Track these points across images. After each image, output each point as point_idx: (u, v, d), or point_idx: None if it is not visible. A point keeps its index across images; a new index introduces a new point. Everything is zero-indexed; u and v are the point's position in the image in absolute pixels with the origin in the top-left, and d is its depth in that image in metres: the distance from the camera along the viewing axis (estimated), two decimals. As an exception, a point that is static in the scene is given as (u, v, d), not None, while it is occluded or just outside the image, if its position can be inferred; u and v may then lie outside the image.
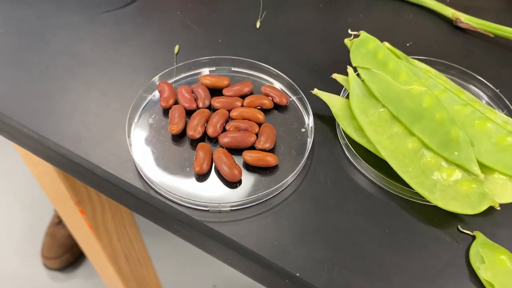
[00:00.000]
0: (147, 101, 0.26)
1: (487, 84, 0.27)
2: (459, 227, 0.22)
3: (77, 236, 0.58)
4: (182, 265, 1.24)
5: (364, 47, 0.26)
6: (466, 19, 0.30)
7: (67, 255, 1.19)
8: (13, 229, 1.30)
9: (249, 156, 0.23)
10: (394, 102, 0.24)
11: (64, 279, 1.19)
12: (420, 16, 0.32)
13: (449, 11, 0.31)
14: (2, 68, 0.27)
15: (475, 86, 0.28)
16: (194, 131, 0.24)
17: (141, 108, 0.25)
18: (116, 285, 0.69)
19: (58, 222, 1.22)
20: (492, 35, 0.30)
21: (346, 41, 0.27)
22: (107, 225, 0.55)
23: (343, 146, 0.24)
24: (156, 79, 0.26)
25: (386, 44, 0.27)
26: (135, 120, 0.25)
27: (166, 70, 0.27)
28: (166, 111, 0.25)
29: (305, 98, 0.26)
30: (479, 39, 0.31)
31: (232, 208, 0.22)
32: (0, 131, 0.27)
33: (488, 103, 0.27)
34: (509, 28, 0.30)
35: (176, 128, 0.24)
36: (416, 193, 0.22)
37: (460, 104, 0.24)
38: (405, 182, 0.22)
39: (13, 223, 1.31)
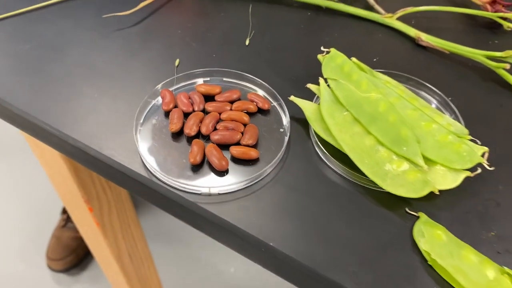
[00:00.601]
0: (151, 105, 0.31)
1: (439, 93, 0.32)
2: (406, 209, 0.27)
3: (85, 233, 0.63)
4: (182, 270, 1.28)
5: (333, 61, 0.31)
6: (426, 38, 0.35)
7: (71, 257, 1.23)
8: (21, 231, 1.35)
9: (235, 150, 0.28)
10: (355, 107, 0.29)
11: (68, 282, 1.24)
12: (388, 35, 0.37)
13: (412, 31, 0.36)
14: (29, 76, 0.32)
15: (429, 94, 0.32)
16: (190, 129, 0.29)
17: (146, 111, 0.30)
18: (120, 283, 0.73)
19: (63, 225, 1.26)
20: (447, 52, 0.35)
21: (319, 56, 0.32)
22: (113, 223, 0.60)
23: (313, 144, 0.29)
24: (159, 87, 0.31)
25: (354, 59, 0.32)
26: (141, 120, 0.30)
27: (168, 80, 0.32)
28: (167, 114, 0.30)
29: (284, 104, 0.31)
30: (436, 55, 0.36)
31: (219, 192, 0.27)
32: (27, 129, 0.32)
33: (439, 109, 0.32)
34: (462, 46, 0.35)
35: (175, 127, 0.29)
36: (372, 181, 0.27)
37: (411, 109, 0.29)
38: (363, 172, 0.27)
39: (21, 226, 1.36)
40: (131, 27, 0.36)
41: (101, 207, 0.56)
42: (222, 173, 0.28)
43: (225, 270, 1.26)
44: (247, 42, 0.36)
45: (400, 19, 0.37)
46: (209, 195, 0.27)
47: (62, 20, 0.37)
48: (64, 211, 1.27)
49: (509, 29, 0.37)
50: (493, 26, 0.38)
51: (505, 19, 0.37)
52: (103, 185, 0.55)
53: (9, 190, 1.42)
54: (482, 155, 0.27)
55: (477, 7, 0.39)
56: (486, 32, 0.38)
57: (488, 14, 0.37)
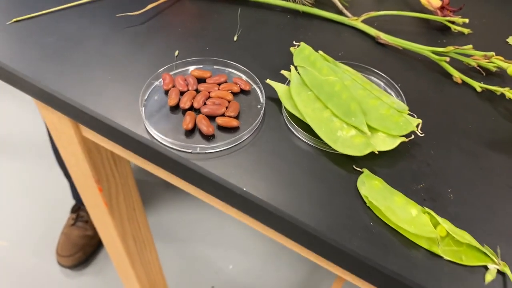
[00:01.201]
0: (154, 85, 0.38)
1: (389, 80, 0.39)
2: (353, 166, 0.33)
3: (93, 214, 0.70)
4: (182, 266, 1.34)
5: (302, 53, 0.38)
6: (384, 37, 0.43)
7: (79, 254, 1.30)
8: (33, 228, 1.42)
9: (220, 120, 0.35)
10: (317, 88, 0.36)
11: (75, 276, 1.30)
12: (353, 35, 0.44)
13: (373, 31, 0.43)
14: (55, 62, 0.40)
15: (381, 81, 0.39)
16: (184, 104, 0.36)
17: (150, 89, 0.38)
18: (124, 265, 0.80)
19: (72, 223, 1.33)
20: (401, 48, 0.42)
21: (292, 49, 0.39)
22: (120, 205, 0.67)
23: (284, 117, 0.36)
24: (160, 71, 0.39)
25: (320, 52, 0.39)
26: (145, 97, 0.37)
27: (168, 66, 0.39)
28: (166, 92, 0.37)
29: (262, 86, 0.38)
30: (392, 51, 0.43)
31: (206, 152, 0.34)
32: (53, 104, 0.39)
33: (388, 92, 0.39)
34: (413, 43, 0.42)
35: (173, 101, 0.36)
36: (327, 144, 0.34)
37: (362, 89, 0.36)
38: (321, 138, 0.34)
39: (34, 223, 1.43)
40: (139, 25, 0.44)
41: (110, 188, 0.63)
42: (209, 137, 0.35)
43: (224, 266, 1.32)
44: (235, 38, 0.43)
45: (364, 21, 0.44)
46: (198, 153, 0.34)
47: (81, 19, 0.44)
48: (73, 211, 1.34)
49: (456, 30, 0.45)
50: (443, 28, 0.45)
51: (452, 22, 0.45)
52: (112, 168, 0.62)
53: (23, 189, 1.50)
54: (417, 126, 0.34)
55: (430, 12, 0.46)
56: (436, 33, 0.45)
57: (439, 18, 0.44)
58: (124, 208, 0.69)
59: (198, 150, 0.34)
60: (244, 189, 0.32)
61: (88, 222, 1.33)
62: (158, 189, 1.51)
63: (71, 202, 1.41)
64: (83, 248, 1.31)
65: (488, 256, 0.29)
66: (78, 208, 1.35)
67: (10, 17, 0.44)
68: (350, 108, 0.34)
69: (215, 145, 0.34)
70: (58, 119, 0.52)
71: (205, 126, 0.34)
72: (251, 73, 0.39)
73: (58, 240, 1.34)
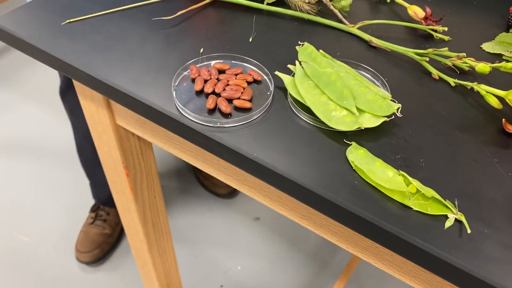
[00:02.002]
0: (183, 75, 0.47)
1: (378, 75, 0.47)
2: (344, 140, 0.41)
3: (118, 198, 0.77)
4: (193, 266, 1.42)
5: (305, 50, 0.46)
6: (376, 41, 0.51)
7: (97, 251, 1.38)
8: (54, 227, 1.51)
9: (236, 102, 0.43)
10: (316, 78, 0.44)
11: (92, 272, 1.38)
12: (350, 39, 0.52)
13: (366, 36, 0.52)
14: (102, 55, 0.49)
15: (371, 76, 0.47)
16: (208, 89, 0.44)
17: (180, 77, 0.46)
18: (142, 250, 0.87)
19: (91, 222, 1.42)
20: (390, 50, 0.51)
21: (297, 47, 0.47)
22: (143, 191, 0.75)
23: (289, 102, 0.44)
24: (188, 63, 0.47)
25: (321, 51, 0.47)
26: (176, 83, 0.46)
27: (195, 59, 0.47)
28: (193, 80, 0.46)
29: (272, 77, 0.46)
30: (382, 53, 0.51)
31: (224, 126, 0.42)
32: (100, 89, 0.47)
33: (376, 84, 0.47)
34: (400, 46, 0.50)
35: (198, 87, 0.44)
36: (323, 122, 0.41)
37: (353, 80, 0.44)
38: (318, 117, 0.42)
39: (55, 222, 1.52)
40: (171, 27, 0.52)
41: (135, 175, 0.71)
42: (227, 115, 0.43)
43: (232, 267, 1.39)
44: (250, 40, 0.51)
45: (359, 28, 0.53)
46: (218, 127, 0.42)
47: (123, 21, 0.53)
48: (93, 210, 1.43)
49: (437, 37, 0.53)
50: (427, 36, 0.53)
51: (434, 30, 0.53)
52: (138, 156, 0.70)
53: (46, 190, 1.59)
54: (398, 110, 0.42)
55: (416, 22, 0.54)
56: (421, 39, 0.53)
57: (423, 27, 0.53)
58: (147, 195, 0.77)
59: (218, 125, 0.42)
60: (255, 154, 0.40)
61: (106, 221, 1.42)
62: (173, 194, 1.59)
63: (91, 202, 1.50)
64: (100, 246, 1.39)
65: (449, 208, 0.36)
66: (97, 207, 1.44)
67: (65, 19, 0.53)
68: (343, 93, 0.42)
69: (232, 122, 0.42)
70: (96, 109, 0.61)
71: (224, 106, 0.43)
72: (263, 67, 0.47)
73: (77, 237, 1.42)
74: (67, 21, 0.53)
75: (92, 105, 0.60)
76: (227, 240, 1.48)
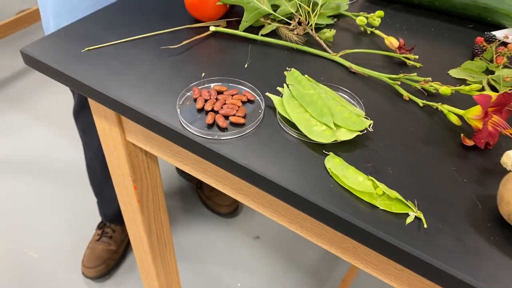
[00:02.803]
0: (186, 95, 0.54)
1: (355, 96, 0.54)
2: (323, 150, 0.48)
3: (125, 210, 0.84)
4: (195, 283, 1.47)
5: (292, 75, 0.54)
6: (355, 67, 0.58)
7: (102, 266, 1.44)
8: (62, 243, 1.57)
9: (232, 118, 0.50)
10: (301, 98, 0.51)
11: (97, 287, 1.43)
12: (332, 65, 0.60)
13: (347, 63, 0.59)
14: (116, 78, 0.56)
15: (349, 97, 0.55)
16: (207, 107, 0.51)
17: (184, 97, 0.53)
18: (147, 261, 0.93)
19: (98, 239, 1.48)
20: (367, 75, 0.58)
21: (285, 72, 0.55)
22: (149, 204, 0.82)
23: (277, 119, 0.51)
24: (191, 85, 0.54)
25: (306, 76, 0.54)
26: (180, 102, 0.53)
27: (197, 82, 0.55)
28: (195, 100, 0.53)
29: (263, 98, 0.53)
30: (361, 78, 0.58)
31: (221, 138, 0.49)
32: (115, 107, 0.55)
33: (353, 104, 0.54)
34: (376, 72, 0.57)
35: (200, 105, 0.52)
36: (306, 136, 0.48)
37: (332, 100, 0.51)
38: (302, 131, 0.49)
39: (62, 239, 1.58)
40: (177, 55, 0.60)
41: (142, 188, 0.78)
42: (223, 129, 0.50)
43: (233, 284, 1.43)
44: (245, 66, 0.59)
45: (341, 56, 0.60)
46: (216, 139, 0.49)
47: (135, 49, 0.61)
48: (99, 227, 1.49)
49: (410, 64, 0.60)
50: (401, 63, 0.61)
51: (408, 58, 0.60)
52: (145, 170, 0.77)
53: (55, 208, 1.66)
54: (370, 125, 0.49)
55: (392, 50, 0.62)
56: (396, 66, 0.60)
57: (397, 55, 0.60)
58: (152, 207, 0.83)
59: (216, 137, 0.49)
60: (246, 162, 0.46)
61: (112, 237, 1.48)
62: (177, 214, 1.66)
63: (97, 219, 1.56)
64: (106, 261, 1.44)
65: (410, 207, 0.42)
66: (104, 225, 1.50)
67: (83, 47, 0.61)
68: (322, 111, 0.49)
69: (227, 134, 0.49)
70: (108, 127, 0.68)
71: (221, 122, 0.50)
72: (256, 89, 0.54)
73: (84, 253, 1.48)
74: (86, 49, 0.61)
75: (105, 123, 0.68)
76: (228, 258, 1.53)
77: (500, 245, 0.40)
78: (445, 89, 0.52)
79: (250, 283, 1.46)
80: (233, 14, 0.68)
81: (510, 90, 0.54)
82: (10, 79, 2.22)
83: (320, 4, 0.63)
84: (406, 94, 0.54)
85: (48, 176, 1.78)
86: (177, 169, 1.77)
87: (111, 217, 1.44)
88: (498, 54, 0.58)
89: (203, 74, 0.57)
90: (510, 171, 0.45)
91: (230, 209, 1.64)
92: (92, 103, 0.66)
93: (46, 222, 1.61)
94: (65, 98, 2.10)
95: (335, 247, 0.53)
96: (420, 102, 0.54)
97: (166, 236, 0.92)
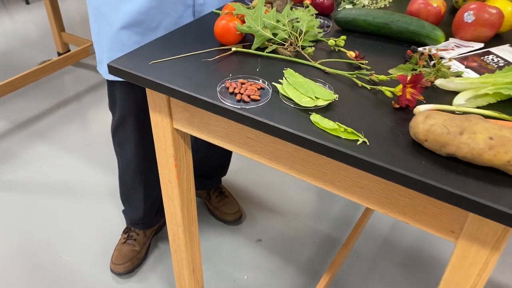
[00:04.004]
0: (221, 86, 0.85)
1: (327, 83, 0.86)
2: (309, 112, 0.79)
3: (165, 187, 1.12)
4: (208, 277, 1.74)
5: (288, 72, 0.86)
6: (328, 70, 0.91)
7: (128, 264, 1.70)
8: (92, 248, 1.83)
9: (252, 96, 0.82)
10: (294, 83, 0.82)
11: (123, 282, 1.68)
12: (313, 69, 0.92)
13: (323, 67, 0.91)
14: (178, 79, 0.87)
15: (323, 84, 0.86)
16: (236, 90, 0.83)
17: (220, 87, 0.85)
18: (178, 233, 1.19)
19: (124, 242, 1.74)
20: (335, 74, 0.90)
21: (284, 71, 0.87)
22: (183, 181, 1.10)
23: (280, 96, 0.83)
24: (224, 79, 0.86)
25: (297, 73, 0.87)
26: (218, 89, 0.84)
27: (228, 77, 0.87)
28: (227, 88, 0.85)
29: (270, 86, 0.85)
30: (332, 75, 0.90)
31: (245, 107, 0.80)
32: (178, 96, 0.86)
33: (326, 88, 0.85)
34: (342, 71, 0.89)
35: (231, 90, 0.83)
36: (298, 104, 0.79)
37: (313, 84, 0.83)
38: (296, 102, 0.80)
39: (93, 245, 1.85)
40: (212, 65, 0.92)
41: (180, 167, 1.07)
42: (247, 103, 0.81)
43: (240, 277, 1.69)
44: (257, 70, 0.91)
45: (319, 63, 0.93)
46: (242, 108, 0.80)
47: (183, 62, 0.93)
48: (125, 232, 1.75)
49: (363, 67, 0.92)
50: (357, 66, 0.93)
51: (361, 63, 0.93)
52: (183, 153, 1.07)
53: (85, 220, 1.93)
54: (337, 97, 0.80)
55: (351, 59, 0.94)
56: (354, 68, 0.93)
57: (354, 61, 0.93)
58: (185, 184, 1.12)
59: (242, 107, 0.80)
60: (260, 119, 0.77)
61: (136, 240, 1.74)
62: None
63: (123, 228, 1.82)
64: (131, 259, 1.69)
65: (359, 136, 0.73)
66: (129, 229, 1.76)
67: (150, 61, 0.93)
68: (308, 90, 0.81)
69: (249, 105, 0.80)
70: (161, 119, 0.99)
71: (245, 98, 0.81)
72: (265, 81, 0.86)
73: (112, 254, 1.74)
74: (152, 62, 0.93)
75: (158, 115, 0.99)
76: (235, 258, 1.79)
77: (410, 152, 0.70)
78: (383, 77, 0.84)
79: (254, 276, 1.72)
80: (246, 40, 1.01)
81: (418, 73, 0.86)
82: (37, 117, 2.53)
83: (304, 32, 0.97)
84: (359, 83, 0.87)
85: (77, 195, 2.06)
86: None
87: (136, 221, 1.71)
88: (420, 59, 0.91)
89: (230, 75, 0.89)
90: (415, 115, 0.76)
91: (235, 217, 1.91)
92: (150, 101, 0.97)
93: (78, 232, 1.87)
94: (85, 133, 2.41)
95: (314, 178, 0.82)
96: (368, 86, 0.86)
97: (193, 212, 1.20)
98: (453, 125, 0.66)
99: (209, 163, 1.81)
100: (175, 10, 1.19)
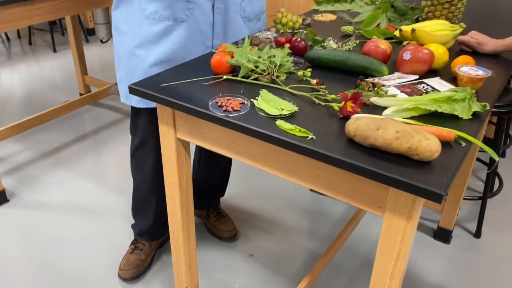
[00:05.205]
0: (213, 100, 1.14)
1: (291, 100, 1.14)
2: (276, 118, 1.07)
3: (169, 189, 1.38)
4: (204, 284, 1.97)
5: (263, 92, 1.14)
6: (295, 92, 1.20)
7: (134, 270, 1.94)
8: (103, 258, 2.08)
9: (234, 108, 1.10)
10: (267, 99, 1.11)
11: (128, 286, 1.91)
12: (284, 92, 1.21)
13: (291, 90, 1.20)
14: (179, 96, 1.16)
15: (288, 100, 1.15)
16: (223, 104, 1.11)
17: (212, 101, 1.13)
18: (177, 230, 1.43)
19: (131, 252, 1.99)
20: (299, 94, 1.19)
21: (260, 92, 1.15)
22: (183, 183, 1.36)
23: (256, 109, 1.11)
24: (215, 97, 1.15)
25: (269, 92, 1.15)
26: (210, 102, 1.13)
27: (218, 95, 1.15)
28: (217, 102, 1.13)
29: (250, 101, 1.13)
30: (298, 96, 1.19)
31: (229, 115, 1.08)
32: (178, 108, 1.14)
33: (291, 103, 1.14)
34: (304, 92, 1.18)
35: (219, 104, 1.11)
36: (269, 114, 1.07)
37: (281, 100, 1.11)
38: (268, 112, 1.07)
39: (104, 255, 2.10)
40: (208, 86, 1.22)
41: (181, 171, 1.34)
42: (230, 112, 1.09)
43: (232, 285, 1.90)
44: (241, 91, 1.20)
45: (290, 87, 1.22)
46: (227, 116, 1.07)
47: (186, 86, 1.22)
48: (133, 243, 1.99)
49: (321, 90, 1.21)
50: (317, 90, 1.22)
51: (321, 88, 1.21)
52: (183, 159, 1.34)
53: (97, 234, 2.18)
54: (297, 109, 1.08)
55: (313, 85, 1.23)
56: (314, 91, 1.21)
57: (315, 86, 1.21)
58: (185, 187, 1.38)
59: (227, 115, 1.08)
60: (240, 123, 1.05)
61: (142, 250, 1.98)
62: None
63: (131, 238, 2.06)
64: (137, 267, 1.93)
65: (310, 134, 1.00)
66: (136, 241, 2.00)
67: (161, 83, 1.23)
68: (276, 104, 1.09)
69: (233, 113, 1.08)
70: (167, 129, 1.27)
71: (229, 109, 1.09)
72: (246, 98, 1.15)
73: (120, 262, 1.97)
74: (162, 85, 1.22)
75: (165, 127, 1.27)
76: (228, 268, 2.01)
77: (344, 144, 0.97)
78: (333, 96, 1.12)
79: (245, 284, 1.93)
80: (235, 70, 1.31)
81: (358, 91, 1.14)
82: (59, 148, 2.84)
83: (278, 65, 1.27)
84: (317, 101, 1.15)
85: (91, 215, 2.32)
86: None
87: (144, 232, 1.95)
88: (366, 85, 1.19)
89: (220, 94, 1.18)
90: (343, 119, 1.03)
91: (230, 234, 2.15)
92: (159, 115, 1.26)
93: (91, 245, 2.12)
94: (100, 162, 2.71)
95: (280, 171, 1.09)
96: (323, 103, 1.14)
97: (190, 212, 1.45)
98: (372, 123, 0.94)
99: (210, 182, 2.08)
100: (198, 50, 1.52)
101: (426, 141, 0.88)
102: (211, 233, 2.18)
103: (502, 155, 2.90)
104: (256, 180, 2.59)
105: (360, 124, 0.94)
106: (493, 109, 1.97)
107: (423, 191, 0.85)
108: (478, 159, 2.60)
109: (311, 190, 2.53)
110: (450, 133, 0.97)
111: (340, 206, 2.40)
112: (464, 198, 2.26)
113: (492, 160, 2.09)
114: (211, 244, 2.13)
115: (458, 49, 1.54)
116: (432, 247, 2.16)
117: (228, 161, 2.08)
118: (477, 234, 2.22)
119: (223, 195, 2.20)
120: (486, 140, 2.45)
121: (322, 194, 2.50)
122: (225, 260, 2.04)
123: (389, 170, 0.89)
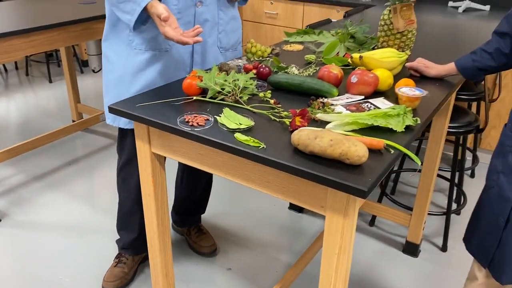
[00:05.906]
0: (182, 117, 1.31)
1: (249, 116, 1.31)
2: (235, 132, 1.23)
3: (145, 200, 1.52)
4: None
5: (226, 110, 1.31)
6: (255, 110, 1.37)
7: (117, 282, 2.07)
8: (89, 272, 2.20)
9: (200, 123, 1.26)
10: (228, 116, 1.28)
11: (112, 298, 2.02)
12: (245, 111, 1.38)
13: (252, 109, 1.37)
14: (153, 114, 1.33)
15: (247, 117, 1.32)
16: (190, 120, 1.28)
17: (180, 118, 1.30)
18: (154, 239, 1.57)
19: (115, 265, 2.12)
20: (260, 113, 1.36)
21: (224, 110, 1.32)
22: (158, 195, 1.51)
23: (219, 124, 1.27)
24: (183, 114, 1.32)
25: (231, 111, 1.32)
26: (179, 119, 1.29)
27: (187, 113, 1.32)
28: (185, 119, 1.30)
29: (213, 118, 1.30)
30: (257, 114, 1.36)
31: (195, 129, 1.24)
32: (152, 125, 1.31)
33: (249, 119, 1.30)
34: (264, 111, 1.35)
35: (187, 120, 1.28)
36: (229, 128, 1.24)
37: (240, 116, 1.28)
38: (228, 127, 1.24)
39: (89, 269, 2.22)
40: (180, 107, 1.39)
41: (156, 183, 1.49)
42: (196, 127, 1.26)
43: (210, 295, 2.02)
44: (208, 110, 1.37)
45: (251, 106, 1.39)
46: (193, 130, 1.24)
47: (159, 106, 1.39)
48: (117, 257, 2.12)
49: (278, 109, 1.38)
50: (274, 108, 1.39)
51: (278, 107, 1.38)
52: (158, 172, 1.49)
53: (84, 250, 2.30)
54: (254, 124, 1.25)
55: (272, 104, 1.40)
56: (268, 108, 1.38)
57: (274, 106, 1.38)
58: (160, 198, 1.53)
59: (193, 129, 1.24)
60: (203, 135, 1.21)
61: (125, 263, 2.10)
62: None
63: (115, 252, 2.19)
64: (120, 279, 2.05)
65: (261, 144, 1.16)
66: (120, 255, 2.13)
67: (136, 104, 1.39)
68: (235, 119, 1.26)
69: (198, 128, 1.25)
70: (143, 144, 1.43)
71: (195, 124, 1.26)
72: (210, 115, 1.31)
73: (104, 274, 2.09)
74: (137, 105, 1.39)
75: (141, 142, 1.43)
76: (208, 281, 2.14)
77: (289, 152, 1.13)
78: (286, 113, 1.29)
79: (222, 293, 2.05)
80: (204, 92, 1.48)
81: (306, 109, 1.30)
82: (51, 172, 2.99)
83: (242, 87, 1.44)
84: (272, 117, 1.32)
85: (81, 232, 2.45)
86: (172, 224, 2.43)
87: (127, 246, 2.08)
88: (316, 104, 1.36)
89: (188, 112, 1.35)
90: (292, 132, 1.20)
91: (210, 249, 2.28)
92: (137, 132, 1.42)
93: (78, 261, 2.24)
94: (90, 186, 2.86)
95: (239, 178, 1.24)
96: (278, 119, 1.30)
97: (166, 223, 1.60)
98: (312, 134, 1.10)
99: (192, 200, 2.22)
100: (179, 76, 1.70)
101: (354, 147, 1.05)
102: (192, 249, 2.31)
103: (472, 175, 3.06)
104: (236, 199, 2.73)
105: (302, 135, 1.11)
106: (452, 130, 2.15)
107: (351, 189, 1.01)
108: (444, 177, 2.76)
109: (289, 208, 2.67)
110: (379, 142, 1.13)
111: (316, 223, 2.54)
112: (429, 213, 2.41)
113: (453, 176, 2.25)
114: (192, 259, 2.25)
115: (408, 73, 1.72)
116: (401, 260, 2.28)
117: (208, 180, 2.23)
118: (444, 248, 2.36)
119: (204, 212, 2.34)
120: (455, 160, 2.62)
121: (299, 211, 2.64)
122: (205, 273, 2.16)
123: (325, 173, 1.05)
